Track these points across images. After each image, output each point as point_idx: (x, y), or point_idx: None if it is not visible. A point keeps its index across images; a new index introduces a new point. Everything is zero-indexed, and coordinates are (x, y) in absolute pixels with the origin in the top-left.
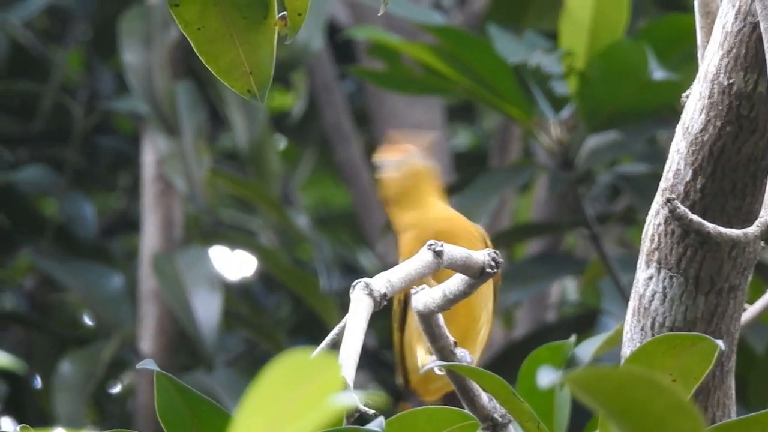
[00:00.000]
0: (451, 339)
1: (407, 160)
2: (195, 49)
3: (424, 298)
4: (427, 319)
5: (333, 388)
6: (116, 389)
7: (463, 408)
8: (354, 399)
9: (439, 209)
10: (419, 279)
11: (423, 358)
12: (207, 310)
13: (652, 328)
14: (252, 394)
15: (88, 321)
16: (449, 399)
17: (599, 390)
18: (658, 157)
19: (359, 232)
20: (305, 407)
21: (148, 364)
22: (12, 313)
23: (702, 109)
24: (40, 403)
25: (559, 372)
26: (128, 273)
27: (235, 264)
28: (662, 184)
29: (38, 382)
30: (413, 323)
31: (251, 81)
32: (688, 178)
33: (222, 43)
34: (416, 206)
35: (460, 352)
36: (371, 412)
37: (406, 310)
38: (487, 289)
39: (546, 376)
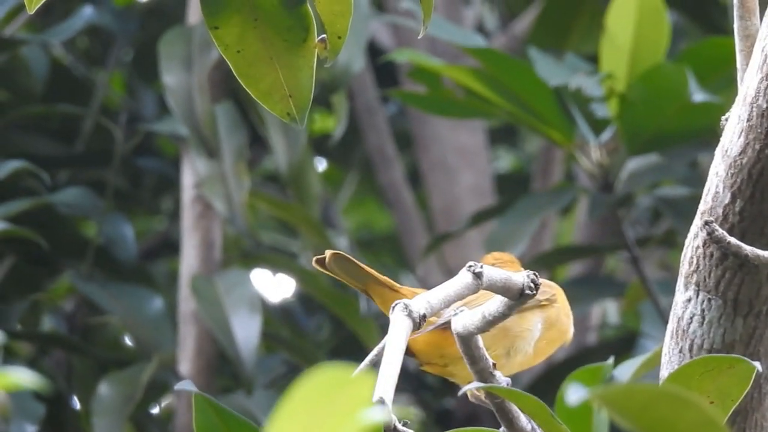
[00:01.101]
0: (491, 361)
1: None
2: (235, 72)
3: (464, 320)
4: (467, 341)
5: (365, 403)
6: (156, 411)
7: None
8: (384, 412)
9: None
10: (458, 300)
11: None
12: (246, 331)
13: (691, 350)
14: (284, 406)
15: (129, 343)
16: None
17: (627, 406)
18: (699, 180)
19: (401, 254)
20: (337, 421)
21: (186, 386)
22: (52, 336)
23: (741, 132)
24: (79, 426)
25: (588, 390)
26: (170, 295)
27: (275, 286)
28: (701, 207)
29: (77, 405)
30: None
31: (291, 104)
32: (726, 201)
33: (262, 66)
34: None
35: (499, 374)
36: None
37: None
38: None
39: (575, 394)
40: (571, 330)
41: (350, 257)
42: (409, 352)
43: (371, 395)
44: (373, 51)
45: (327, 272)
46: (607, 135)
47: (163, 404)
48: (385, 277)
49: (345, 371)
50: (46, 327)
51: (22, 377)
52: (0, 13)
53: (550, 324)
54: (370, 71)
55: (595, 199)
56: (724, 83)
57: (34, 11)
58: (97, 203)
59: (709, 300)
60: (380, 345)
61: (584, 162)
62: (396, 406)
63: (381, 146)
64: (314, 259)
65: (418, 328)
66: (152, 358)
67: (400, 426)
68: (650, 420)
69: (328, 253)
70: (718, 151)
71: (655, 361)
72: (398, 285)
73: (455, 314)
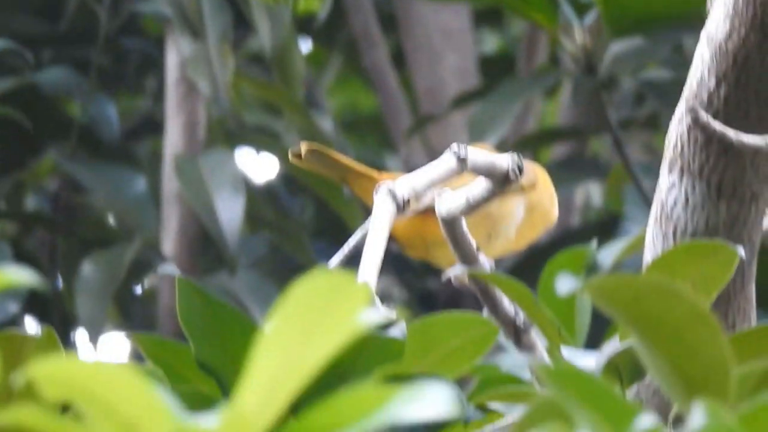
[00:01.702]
0: (474, 244)
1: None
2: None
3: (448, 202)
4: (450, 224)
5: (359, 308)
6: (139, 291)
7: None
8: (382, 315)
9: None
10: (442, 184)
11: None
12: (230, 211)
13: (674, 234)
14: (277, 311)
15: (112, 223)
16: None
17: (618, 298)
18: (684, 63)
19: (385, 135)
20: (331, 326)
21: (169, 269)
22: (35, 215)
23: (726, 17)
24: (63, 305)
25: (579, 279)
26: (153, 176)
27: (259, 166)
28: (686, 92)
29: (61, 284)
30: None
31: None
32: (711, 86)
33: None
34: None
35: (483, 257)
36: (393, 315)
37: None
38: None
39: (565, 284)
40: (555, 212)
41: (326, 150)
42: (390, 237)
43: (368, 300)
44: None
45: (304, 165)
46: (591, 17)
47: (146, 284)
48: (364, 167)
49: (339, 275)
50: (29, 206)
51: (20, 276)
52: None
53: (532, 207)
54: None
55: (579, 82)
56: None
57: None
58: (81, 83)
59: (693, 184)
60: (364, 228)
61: (568, 45)
62: (381, 290)
63: (366, 28)
64: (290, 153)
65: (403, 211)
66: (135, 237)
67: (383, 308)
68: (641, 312)
69: (302, 146)
70: (703, 36)
71: (638, 245)
72: (378, 173)
73: (439, 197)
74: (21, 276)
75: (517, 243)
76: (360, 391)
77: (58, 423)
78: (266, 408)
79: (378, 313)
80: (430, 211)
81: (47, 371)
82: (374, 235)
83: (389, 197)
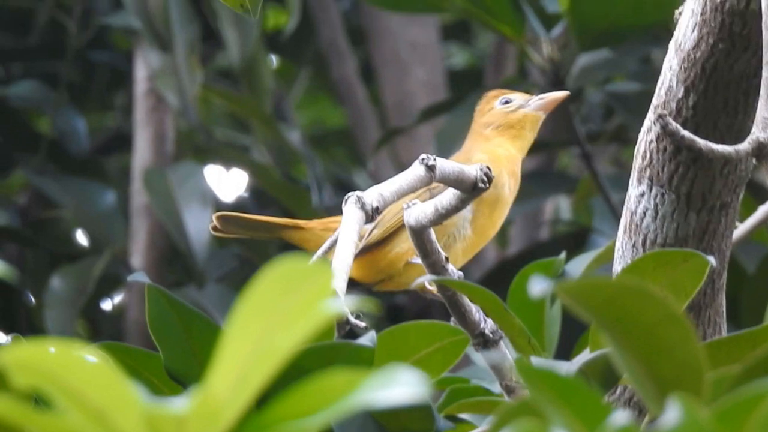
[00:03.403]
0: (443, 254)
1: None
2: None
3: (417, 213)
4: (419, 234)
5: (325, 295)
6: (108, 307)
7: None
8: (345, 306)
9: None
10: (411, 193)
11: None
12: (198, 225)
13: (644, 244)
14: (244, 299)
15: (81, 237)
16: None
17: (592, 300)
18: (652, 75)
19: (354, 149)
20: (297, 313)
21: (139, 277)
22: (5, 229)
23: (695, 26)
24: (32, 320)
25: (551, 282)
26: (122, 190)
27: (228, 182)
28: (654, 101)
29: (31, 299)
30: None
31: None
32: (680, 95)
33: None
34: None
35: (451, 267)
36: (362, 325)
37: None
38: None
39: (538, 285)
40: (507, 192)
41: (241, 215)
42: (351, 282)
43: (331, 286)
44: None
45: (228, 235)
46: (558, 30)
47: (115, 300)
48: (287, 219)
49: (303, 263)
50: None
51: None
52: None
53: (480, 199)
54: None
55: None
56: None
57: None
58: (50, 97)
59: (663, 194)
60: (333, 237)
61: (535, 57)
62: (352, 297)
63: (334, 41)
64: (210, 227)
65: (371, 220)
66: (104, 252)
67: (353, 319)
68: (615, 314)
69: (213, 217)
70: (672, 45)
71: (607, 256)
72: (305, 221)
73: (407, 207)
74: None
75: (480, 239)
76: (329, 378)
77: (30, 412)
78: (237, 394)
79: (342, 303)
80: (379, 246)
81: (18, 356)
82: (343, 242)
83: (358, 205)
